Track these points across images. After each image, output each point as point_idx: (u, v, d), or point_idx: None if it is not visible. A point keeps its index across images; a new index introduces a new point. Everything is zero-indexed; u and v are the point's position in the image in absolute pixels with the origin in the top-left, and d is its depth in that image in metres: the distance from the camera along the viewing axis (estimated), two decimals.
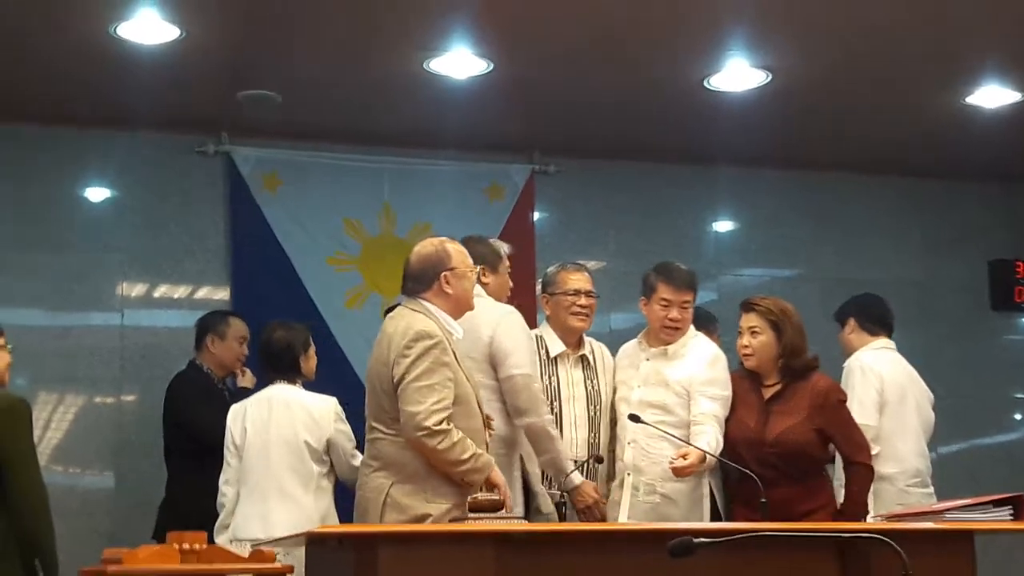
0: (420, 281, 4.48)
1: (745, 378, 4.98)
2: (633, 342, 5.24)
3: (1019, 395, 8.13)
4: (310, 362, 5.30)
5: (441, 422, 4.15)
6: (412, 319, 4.33)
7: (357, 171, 7.24)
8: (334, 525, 4.10)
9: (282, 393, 5.15)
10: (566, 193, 7.59)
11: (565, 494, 4.80)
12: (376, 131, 7.11)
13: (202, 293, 7.08)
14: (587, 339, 5.14)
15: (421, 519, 4.17)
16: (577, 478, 4.79)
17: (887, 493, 5.50)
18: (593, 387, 5.01)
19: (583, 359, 5.04)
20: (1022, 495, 4.30)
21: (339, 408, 5.14)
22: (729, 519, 4.91)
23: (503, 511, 4.27)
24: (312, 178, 7.15)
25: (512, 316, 4.84)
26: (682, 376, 4.97)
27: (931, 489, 5.68)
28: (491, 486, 4.30)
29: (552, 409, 4.87)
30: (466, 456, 4.19)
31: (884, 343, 5.88)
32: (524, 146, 7.45)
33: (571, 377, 4.99)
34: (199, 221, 7.04)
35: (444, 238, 4.63)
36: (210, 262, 7.02)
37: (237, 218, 7.03)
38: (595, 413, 4.95)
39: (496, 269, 5.01)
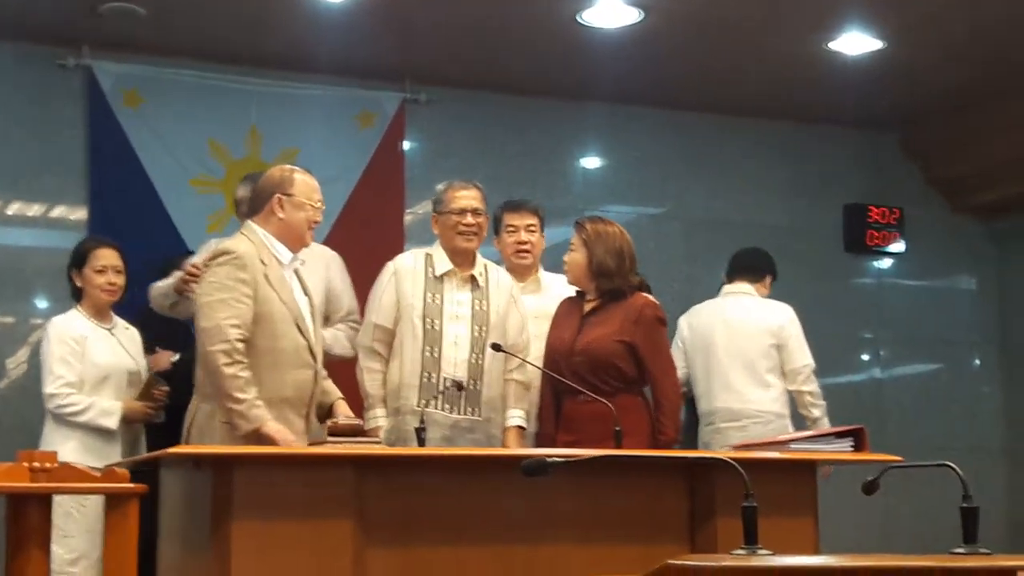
0: (254, 203, 4.53)
1: (574, 299, 5.06)
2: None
3: (867, 335, 8.39)
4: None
5: (240, 340, 4.18)
6: (226, 241, 4.43)
7: (224, 92, 7.10)
8: (190, 446, 4.06)
9: None
10: (437, 123, 7.56)
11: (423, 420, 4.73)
12: (245, 52, 6.98)
13: (58, 212, 6.90)
14: (483, 261, 5.03)
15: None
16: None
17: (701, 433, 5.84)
18: (481, 307, 4.90)
19: (472, 279, 4.94)
20: (862, 428, 4.47)
21: None
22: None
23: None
24: (176, 97, 6.99)
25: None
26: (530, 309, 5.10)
27: (742, 423, 5.80)
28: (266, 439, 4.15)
29: (433, 327, 4.84)
30: (239, 396, 4.13)
31: (728, 288, 6.07)
32: (396, 74, 7.40)
33: (456, 296, 4.90)
34: (57, 137, 6.82)
35: (297, 168, 4.61)
36: (68, 179, 6.83)
37: (97, 135, 6.83)
38: (480, 334, 4.87)
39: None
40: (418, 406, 4.76)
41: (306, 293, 4.55)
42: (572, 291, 5.11)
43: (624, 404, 4.66)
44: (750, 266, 6.10)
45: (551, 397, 4.95)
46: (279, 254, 4.43)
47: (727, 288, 6.08)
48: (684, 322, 6.03)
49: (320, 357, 4.52)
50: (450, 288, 4.91)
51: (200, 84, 7.05)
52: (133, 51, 6.86)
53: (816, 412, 5.80)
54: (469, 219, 4.91)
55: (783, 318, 5.90)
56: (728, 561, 1.94)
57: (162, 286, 5.39)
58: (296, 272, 4.54)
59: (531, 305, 5.13)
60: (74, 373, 5.25)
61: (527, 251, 5.26)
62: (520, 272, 5.27)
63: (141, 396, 5.35)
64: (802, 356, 5.86)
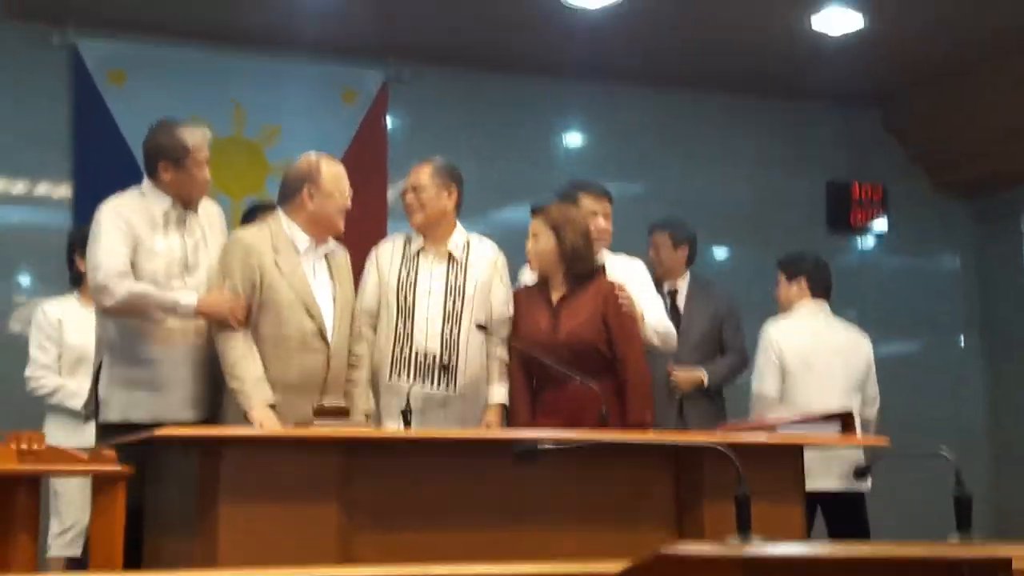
0: (283, 192, 4.66)
1: (532, 288, 4.97)
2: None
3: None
4: None
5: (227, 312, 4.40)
6: (239, 230, 4.67)
7: (207, 69, 7.08)
8: (178, 427, 4.06)
9: None
10: (420, 100, 7.55)
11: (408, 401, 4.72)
12: (229, 29, 6.96)
13: (42, 189, 6.88)
14: (466, 236, 4.99)
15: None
16: (187, 302, 4.47)
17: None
18: (456, 281, 4.88)
19: (449, 254, 4.93)
20: (848, 412, 4.49)
21: None
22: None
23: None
24: (160, 74, 6.96)
25: (96, 214, 4.55)
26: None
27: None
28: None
29: (406, 301, 4.84)
30: (233, 366, 4.38)
31: (815, 307, 5.83)
32: (379, 51, 7.37)
33: (432, 271, 4.89)
34: (42, 114, 6.81)
35: (325, 156, 4.70)
36: (53, 156, 6.81)
37: (81, 112, 6.82)
38: (454, 306, 4.85)
39: (181, 163, 4.58)
40: (390, 379, 4.77)
41: (333, 279, 4.64)
42: (633, 272, 5.09)
43: (604, 389, 4.59)
44: (828, 285, 5.92)
45: (524, 383, 4.86)
46: (296, 241, 4.56)
47: (815, 307, 5.81)
48: (778, 339, 5.68)
49: (340, 342, 4.58)
50: (426, 263, 4.91)
51: (184, 62, 7.03)
52: (118, 29, 6.83)
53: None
54: (408, 197, 4.95)
55: (870, 347, 5.88)
56: (725, 551, 1.94)
57: None
58: (327, 259, 4.65)
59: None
60: (49, 357, 5.44)
61: (601, 239, 5.14)
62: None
63: None
64: (876, 385, 5.85)
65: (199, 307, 4.44)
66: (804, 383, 5.56)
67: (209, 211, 4.73)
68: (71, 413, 5.30)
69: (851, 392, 5.63)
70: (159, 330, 4.46)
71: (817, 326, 5.74)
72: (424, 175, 4.93)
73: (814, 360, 5.61)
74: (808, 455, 4.46)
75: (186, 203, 4.59)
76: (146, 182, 4.63)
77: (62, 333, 5.46)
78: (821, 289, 5.83)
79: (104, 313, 4.49)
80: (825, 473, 5.31)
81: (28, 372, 5.49)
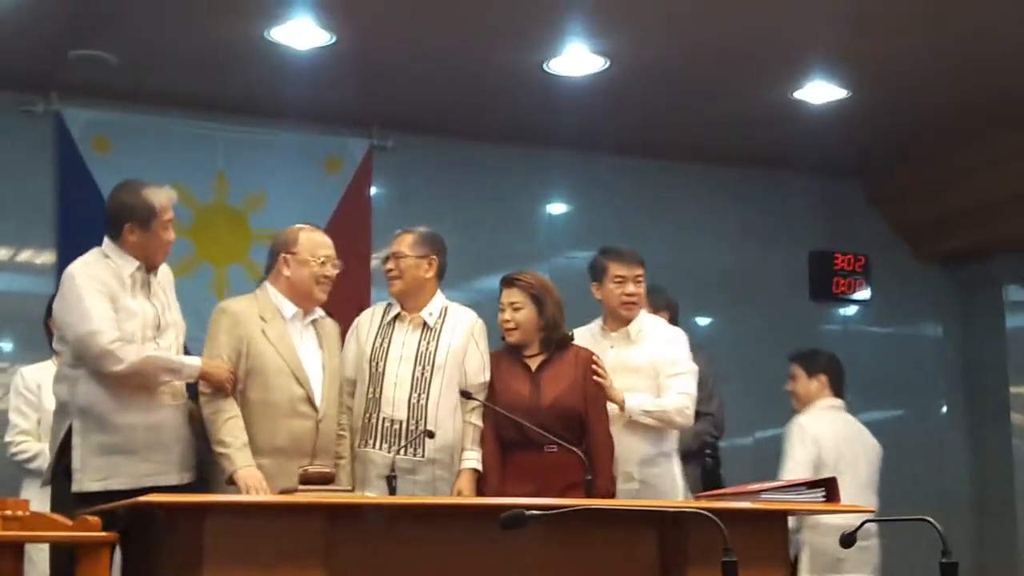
0: (268, 262, 4.76)
1: (505, 353, 4.97)
2: (591, 329, 5.24)
3: None
4: None
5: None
6: (229, 300, 4.82)
7: (191, 137, 7.11)
8: (160, 495, 4.03)
9: None
10: (404, 169, 7.58)
11: (393, 468, 4.71)
12: (213, 97, 6.99)
13: (26, 256, 6.88)
14: (444, 303, 4.99)
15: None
16: (193, 367, 4.50)
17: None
18: (427, 348, 4.88)
19: (424, 322, 4.93)
20: (833, 478, 4.48)
21: None
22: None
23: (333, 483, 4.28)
24: (144, 142, 6.97)
25: (67, 279, 4.47)
26: (648, 360, 5.06)
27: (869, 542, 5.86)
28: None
29: (377, 368, 4.83)
30: (219, 431, 4.43)
31: (836, 403, 6.10)
32: (363, 120, 7.42)
33: (405, 339, 4.89)
34: (25, 182, 6.81)
35: (308, 226, 4.78)
36: (36, 224, 6.81)
37: (65, 180, 6.83)
38: (423, 374, 4.84)
39: (147, 225, 4.53)
40: (358, 447, 4.78)
41: (321, 347, 4.71)
42: (674, 341, 5.13)
43: (588, 454, 4.68)
44: (843, 383, 6.18)
45: (498, 448, 4.84)
46: (283, 310, 4.64)
47: (837, 403, 6.08)
48: (816, 433, 5.88)
49: (328, 408, 4.64)
50: (400, 331, 4.91)
51: (168, 129, 7.05)
52: (102, 97, 6.86)
53: None
54: (389, 264, 4.96)
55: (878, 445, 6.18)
56: None
57: None
58: (316, 327, 4.72)
59: (625, 355, 5.10)
60: (29, 422, 5.44)
61: (634, 303, 5.18)
62: (622, 320, 5.20)
63: None
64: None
65: (204, 370, 4.44)
66: (853, 481, 5.71)
67: (162, 271, 4.68)
68: None
69: (871, 487, 5.95)
70: (136, 395, 4.35)
71: (845, 422, 6.07)
72: (405, 244, 4.96)
73: (847, 455, 5.90)
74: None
75: (150, 266, 4.53)
76: (107, 243, 4.53)
77: (41, 398, 5.44)
78: (840, 386, 6.12)
79: (112, 377, 4.30)
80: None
81: (8, 437, 5.49)
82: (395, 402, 4.78)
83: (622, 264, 5.20)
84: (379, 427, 4.77)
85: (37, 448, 5.40)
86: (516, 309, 4.91)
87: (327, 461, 4.55)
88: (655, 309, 6.00)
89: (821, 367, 6.08)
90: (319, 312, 4.75)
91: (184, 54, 6.41)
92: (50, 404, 5.29)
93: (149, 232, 4.49)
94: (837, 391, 6.10)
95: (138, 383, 4.35)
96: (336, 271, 4.75)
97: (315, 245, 4.69)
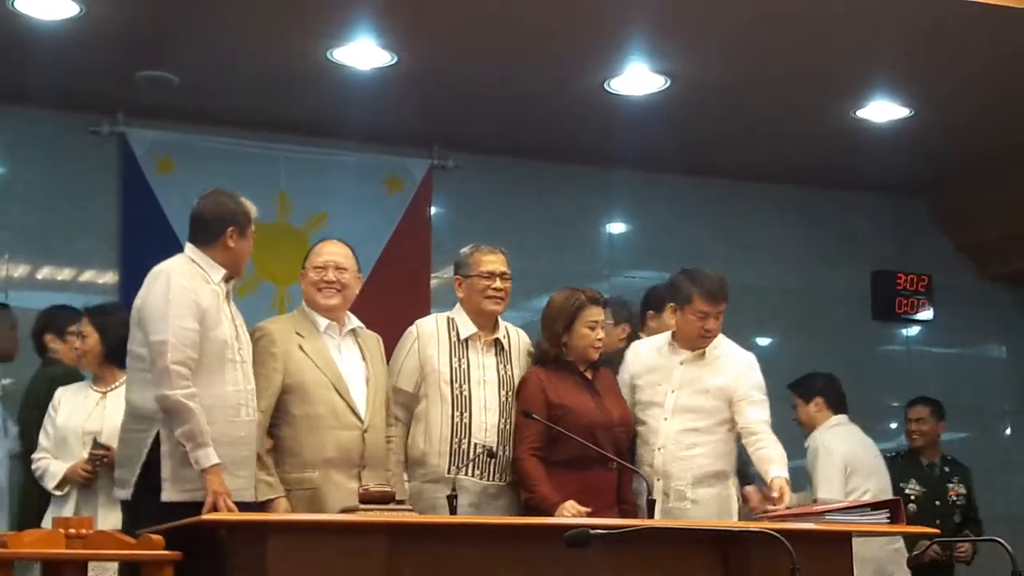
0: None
1: (553, 366, 4.88)
2: (655, 343, 5.18)
3: (895, 403, 8.32)
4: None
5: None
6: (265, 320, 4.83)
7: (254, 157, 7.16)
8: (223, 513, 4.04)
9: None
10: (464, 189, 7.60)
11: (454, 488, 4.68)
12: (275, 118, 7.05)
13: (89, 275, 6.96)
14: (504, 323, 5.00)
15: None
16: (207, 459, 4.17)
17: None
18: (506, 372, 4.87)
19: (497, 343, 4.91)
20: (898, 499, 4.44)
21: None
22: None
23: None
24: (207, 162, 7.04)
25: (158, 279, 4.33)
26: (722, 382, 4.96)
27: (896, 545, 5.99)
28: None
29: (462, 392, 4.81)
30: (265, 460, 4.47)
31: (840, 419, 6.27)
32: (424, 140, 7.45)
33: (482, 361, 4.87)
34: (90, 202, 6.91)
35: (324, 240, 4.87)
36: (100, 244, 6.91)
37: (129, 200, 6.92)
38: (507, 398, 4.83)
39: (244, 232, 4.53)
40: (449, 473, 4.71)
41: (364, 359, 4.73)
42: (750, 367, 5.04)
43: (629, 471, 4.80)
44: (843, 398, 6.34)
45: (541, 462, 4.75)
46: (317, 324, 4.69)
47: (842, 419, 6.27)
48: (841, 448, 6.09)
49: (373, 418, 4.63)
50: (475, 352, 4.88)
51: (230, 150, 7.12)
52: (166, 118, 6.95)
53: None
54: (498, 283, 4.89)
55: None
56: None
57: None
58: (358, 340, 4.76)
59: (696, 375, 5.01)
60: (49, 440, 5.39)
61: (711, 338, 5.04)
62: (695, 347, 5.10)
63: (89, 458, 5.29)
64: None
65: (209, 471, 4.14)
66: (865, 486, 5.99)
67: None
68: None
69: (888, 494, 6.00)
70: (226, 409, 4.29)
71: (853, 433, 6.26)
72: (505, 263, 4.97)
73: (868, 463, 6.13)
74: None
75: (233, 274, 4.51)
76: (194, 249, 4.44)
77: (56, 415, 5.41)
78: (838, 402, 6.27)
79: (157, 400, 4.19)
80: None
81: (33, 455, 5.42)
82: (487, 427, 4.78)
83: (707, 301, 5.01)
84: (470, 453, 4.74)
85: (45, 465, 5.32)
86: (603, 328, 4.94)
87: (378, 472, 4.58)
88: (617, 322, 5.94)
89: (816, 391, 6.25)
90: (356, 322, 4.79)
91: (247, 75, 6.47)
92: (60, 420, 5.34)
93: (245, 239, 4.50)
94: (837, 409, 6.25)
95: (166, 412, 4.19)
96: (341, 274, 4.69)
97: (314, 255, 4.74)
